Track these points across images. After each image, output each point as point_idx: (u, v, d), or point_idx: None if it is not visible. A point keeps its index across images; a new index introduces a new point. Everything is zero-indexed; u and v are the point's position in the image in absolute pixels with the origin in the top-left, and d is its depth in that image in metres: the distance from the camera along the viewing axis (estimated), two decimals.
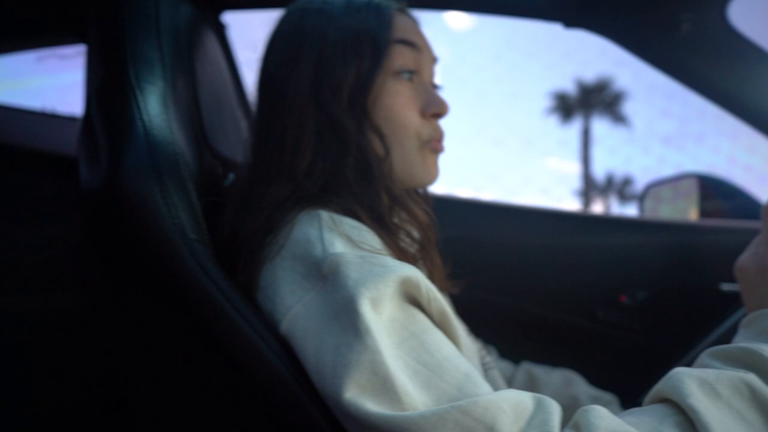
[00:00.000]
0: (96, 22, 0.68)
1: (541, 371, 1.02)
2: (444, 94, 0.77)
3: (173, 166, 0.60)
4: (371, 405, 0.51)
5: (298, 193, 0.67)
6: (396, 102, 0.72)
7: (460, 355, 0.57)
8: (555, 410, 0.52)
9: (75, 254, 0.79)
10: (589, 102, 24.78)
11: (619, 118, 24.66)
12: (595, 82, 25.05)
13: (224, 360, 0.59)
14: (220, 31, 1.26)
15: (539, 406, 0.52)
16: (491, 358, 0.86)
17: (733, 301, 1.24)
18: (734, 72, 1.25)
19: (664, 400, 0.53)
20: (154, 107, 0.61)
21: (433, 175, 0.76)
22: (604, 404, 0.95)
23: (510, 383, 1.00)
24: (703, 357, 0.57)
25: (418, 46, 0.74)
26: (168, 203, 0.58)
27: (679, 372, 0.53)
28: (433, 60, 0.78)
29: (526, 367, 1.03)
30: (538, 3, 1.23)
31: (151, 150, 0.58)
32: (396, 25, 0.73)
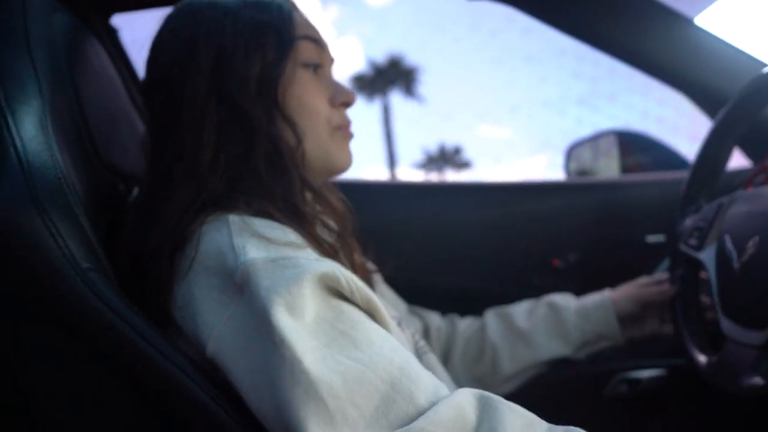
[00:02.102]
0: None
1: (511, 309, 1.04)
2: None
3: (56, 191, 0.55)
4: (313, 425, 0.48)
5: (202, 194, 0.64)
6: (306, 91, 0.72)
7: (395, 346, 0.55)
8: (504, 418, 0.50)
9: None
10: (386, 79, 26.11)
11: (411, 93, 26.40)
12: (387, 60, 26.46)
13: (137, 391, 0.55)
14: (112, 35, 1.18)
15: (484, 415, 0.50)
16: (424, 342, 0.86)
17: (658, 252, 1.28)
18: (637, 29, 1.27)
19: None
20: (29, 130, 0.55)
21: (347, 160, 0.77)
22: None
23: (485, 332, 1.01)
24: None
25: (321, 43, 0.75)
26: (53, 233, 0.53)
27: None
28: (332, 60, 0.78)
29: (495, 312, 1.05)
30: None
31: (27, 177, 0.53)
32: (296, 21, 0.72)
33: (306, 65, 0.72)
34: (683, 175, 0.99)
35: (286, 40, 0.70)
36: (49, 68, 0.63)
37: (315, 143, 0.72)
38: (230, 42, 0.68)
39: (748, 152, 1.28)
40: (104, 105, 0.77)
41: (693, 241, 0.80)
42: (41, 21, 0.67)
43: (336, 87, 0.76)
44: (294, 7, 0.76)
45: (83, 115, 0.69)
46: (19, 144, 0.54)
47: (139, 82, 1.19)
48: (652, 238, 1.29)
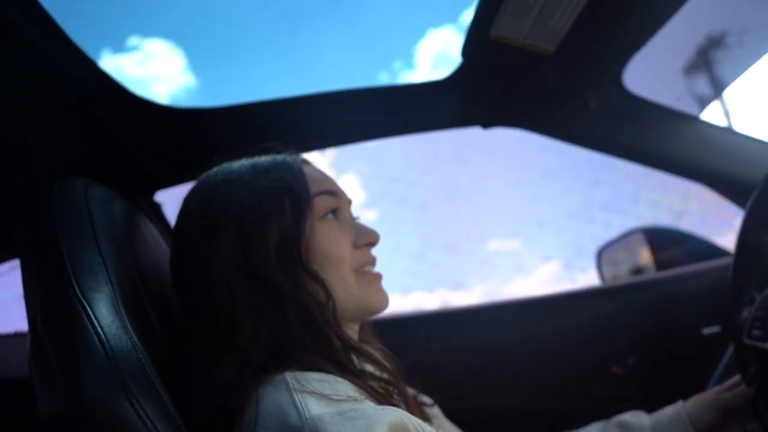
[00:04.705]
0: (28, 236, 0.67)
1: None
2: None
3: (139, 373, 0.57)
4: None
5: (247, 368, 0.63)
6: (329, 240, 0.72)
7: None
8: None
9: None
10: None
11: None
12: None
13: None
14: (156, 210, 1.26)
15: None
16: None
17: (718, 344, 1.24)
18: (642, 130, 1.33)
19: None
20: (106, 316, 0.59)
21: (382, 301, 0.76)
22: None
23: None
24: None
25: (336, 193, 0.76)
26: (141, 416, 0.54)
27: None
28: (349, 201, 0.80)
29: None
30: (453, 113, 1.30)
31: (112, 363, 0.56)
32: (310, 178, 0.75)
33: (324, 216, 0.73)
34: (723, 262, 0.99)
35: (302, 201, 0.71)
36: (114, 253, 0.68)
37: (344, 291, 0.72)
38: (248, 214, 0.69)
39: None
40: (161, 276, 0.81)
41: (756, 333, 0.79)
42: (102, 211, 0.72)
43: (358, 228, 0.76)
44: (305, 162, 0.78)
45: (147, 290, 0.73)
46: (100, 331, 0.57)
47: None
48: (708, 330, 1.26)
